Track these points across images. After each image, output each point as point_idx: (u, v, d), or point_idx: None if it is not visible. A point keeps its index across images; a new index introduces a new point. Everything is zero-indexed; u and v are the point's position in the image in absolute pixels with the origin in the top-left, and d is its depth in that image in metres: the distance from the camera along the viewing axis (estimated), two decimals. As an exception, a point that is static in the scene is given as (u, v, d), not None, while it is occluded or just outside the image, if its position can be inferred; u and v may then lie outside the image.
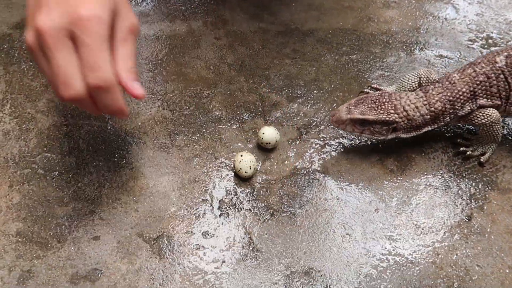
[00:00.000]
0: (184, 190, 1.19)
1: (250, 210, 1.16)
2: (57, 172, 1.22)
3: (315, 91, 1.41)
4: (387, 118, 1.17)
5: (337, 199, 1.18)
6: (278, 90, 1.42)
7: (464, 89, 1.18)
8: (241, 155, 1.20)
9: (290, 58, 1.51)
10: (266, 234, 1.12)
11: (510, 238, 1.11)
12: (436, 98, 1.18)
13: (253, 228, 1.13)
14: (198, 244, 1.10)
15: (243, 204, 1.17)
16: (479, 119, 1.19)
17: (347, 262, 1.07)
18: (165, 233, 1.11)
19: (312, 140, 1.29)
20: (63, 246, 1.09)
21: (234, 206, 1.16)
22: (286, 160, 1.25)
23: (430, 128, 1.21)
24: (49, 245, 1.09)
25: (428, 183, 1.21)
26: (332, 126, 1.28)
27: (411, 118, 1.18)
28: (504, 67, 1.17)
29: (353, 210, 1.16)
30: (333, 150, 1.28)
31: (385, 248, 1.09)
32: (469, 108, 1.19)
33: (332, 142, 1.29)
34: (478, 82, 1.18)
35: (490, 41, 1.57)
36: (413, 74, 1.30)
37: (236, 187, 1.20)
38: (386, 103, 1.18)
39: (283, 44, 1.56)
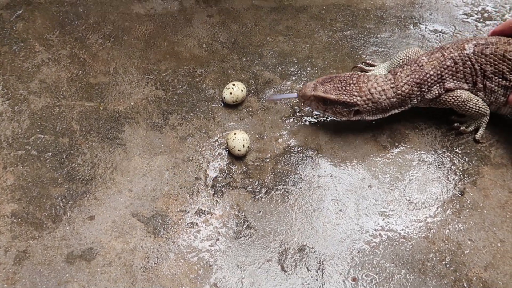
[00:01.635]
0: (178, 169, 1.19)
1: (244, 188, 1.16)
2: (50, 153, 1.22)
3: (308, 68, 1.40)
4: (348, 100, 1.18)
5: (331, 176, 1.18)
6: (271, 67, 1.41)
7: (431, 72, 1.18)
8: (234, 133, 1.20)
9: (284, 35, 1.50)
10: (260, 212, 1.12)
11: (502, 212, 1.11)
12: (404, 81, 1.18)
13: (247, 206, 1.13)
14: (192, 222, 1.10)
15: (236, 182, 1.17)
16: (450, 101, 1.20)
17: (340, 238, 1.08)
18: (159, 212, 1.12)
19: (305, 118, 1.29)
20: (58, 226, 1.10)
21: (228, 185, 1.17)
22: (279, 138, 1.25)
23: (397, 111, 1.22)
24: (44, 226, 1.10)
25: (421, 159, 1.21)
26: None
27: (376, 101, 1.18)
28: (472, 54, 1.17)
29: (346, 186, 1.16)
30: (326, 128, 1.27)
31: (378, 224, 1.10)
32: (436, 91, 1.20)
33: (326, 120, 1.29)
34: (445, 66, 1.18)
35: (485, 14, 1.56)
36: (403, 53, 1.29)
37: (230, 166, 1.20)
38: (352, 85, 1.18)
39: (276, 21, 1.55)
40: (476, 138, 1.23)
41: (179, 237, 1.08)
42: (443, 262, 1.04)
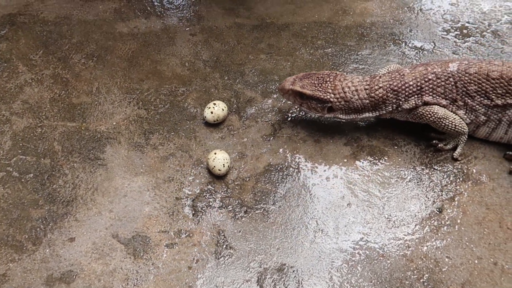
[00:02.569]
0: (159, 189, 1.20)
1: (224, 207, 1.17)
2: (32, 175, 1.22)
3: (289, 86, 1.42)
4: (322, 96, 1.22)
5: (310, 194, 1.19)
6: (253, 86, 1.42)
7: (411, 82, 1.21)
8: (215, 153, 1.21)
9: (265, 53, 1.52)
10: (239, 231, 1.13)
11: (480, 229, 1.12)
12: (380, 85, 1.21)
13: (227, 225, 1.14)
14: (172, 243, 1.11)
15: (217, 202, 1.18)
16: (426, 116, 1.22)
17: (319, 257, 1.08)
18: (139, 233, 1.12)
19: (286, 136, 1.30)
20: (38, 249, 1.10)
21: (208, 204, 1.17)
22: (260, 156, 1.26)
23: (371, 115, 1.25)
24: (24, 248, 1.10)
25: (400, 176, 1.22)
26: (297, 106, 1.33)
27: (348, 100, 1.22)
28: (456, 72, 1.20)
29: (326, 205, 1.17)
30: (306, 146, 1.29)
31: (357, 242, 1.11)
32: (413, 102, 1.22)
33: (307, 138, 1.30)
34: (426, 79, 1.21)
35: (464, 31, 1.58)
36: (385, 69, 1.32)
37: (211, 185, 1.21)
38: (328, 82, 1.23)
39: (258, 39, 1.56)
40: (454, 156, 1.24)
41: (159, 258, 1.09)
42: (421, 280, 1.05)
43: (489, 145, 1.27)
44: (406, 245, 1.10)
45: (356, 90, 1.22)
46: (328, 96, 1.22)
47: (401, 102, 1.22)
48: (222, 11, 1.66)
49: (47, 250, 1.10)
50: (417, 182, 1.21)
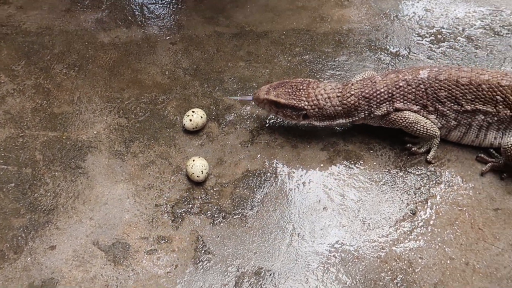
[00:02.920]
0: (139, 196, 1.22)
1: (203, 213, 1.19)
2: (13, 184, 1.24)
3: (267, 93, 1.44)
4: (296, 104, 1.25)
5: (287, 199, 1.22)
6: (232, 93, 1.45)
7: (382, 90, 1.24)
8: (193, 160, 1.23)
9: (244, 60, 1.55)
10: (218, 236, 1.15)
11: (452, 230, 1.15)
12: (352, 93, 1.25)
13: (205, 231, 1.16)
14: (152, 249, 1.13)
15: (196, 208, 1.20)
16: (398, 121, 1.25)
17: (295, 261, 1.11)
18: (119, 240, 1.14)
19: (264, 142, 1.33)
20: (19, 257, 1.12)
21: (187, 211, 1.19)
22: (238, 162, 1.29)
23: (344, 121, 1.28)
24: (5, 257, 1.11)
25: (375, 180, 1.25)
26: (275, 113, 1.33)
27: (322, 107, 1.25)
28: (426, 79, 1.23)
29: (302, 209, 1.20)
30: (284, 151, 1.31)
31: (333, 245, 1.13)
32: (385, 109, 1.25)
33: (284, 144, 1.33)
34: (397, 86, 1.24)
35: (439, 36, 1.62)
36: (360, 76, 1.35)
37: (190, 192, 1.23)
38: (302, 90, 1.26)
39: (237, 46, 1.59)
40: (428, 159, 1.28)
41: (138, 264, 1.11)
42: (395, 281, 1.08)
43: (462, 148, 1.30)
44: (381, 247, 1.13)
45: (329, 98, 1.25)
46: (303, 104, 1.25)
47: (373, 109, 1.26)
48: (202, 20, 1.69)
49: (28, 259, 1.11)
50: (392, 185, 1.24)
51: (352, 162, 1.28)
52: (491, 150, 1.28)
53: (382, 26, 1.65)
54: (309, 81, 1.28)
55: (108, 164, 1.28)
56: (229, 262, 1.11)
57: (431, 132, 1.24)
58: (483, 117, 1.23)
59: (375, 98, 1.24)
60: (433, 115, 1.26)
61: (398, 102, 1.25)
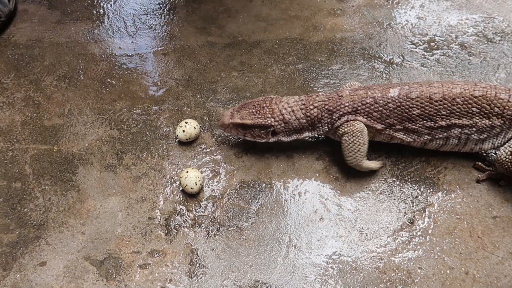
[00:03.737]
0: (131, 209, 1.20)
1: (197, 226, 1.17)
2: (2, 199, 1.21)
3: (261, 103, 1.43)
4: (264, 122, 1.22)
5: (283, 209, 1.19)
6: (225, 103, 1.43)
7: (347, 104, 1.21)
8: (187, 172, 1.21)
9: (237, 70, 1.53)
10: (212, 249, 1.13)
11: (451, 239, 1.14)
12: (315, 105, 1.22)
13: (199, 244, 1.13)
14: (145, 264, 1.10)
15: (189, 221, 1.17)
16: (344, 128, 1.21)
17: (292, 273, 1.09)
18: (112, 255, 1.12)
19: (258, 153, 1.31)
20: (8, 274, 1.08)
21: (181, 223, 1.17)
22: (232, 174, 1.27)
23: (311, 134, 1.26)
24: (-6, 274, 1.08)
25: (372, 189, 1.23)
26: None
27: (287, 121, 1.23)
28: (396, 97, 1.19)
29: (298, 220, 1.18)
30: (279, 161, 1.29)
31: (330, 256, 1.11)
32: (345, 120, 1.21)
33: (279, 154, 1.31)
34: (364, 103, 1.20)
35: (432, 43, 1.61)
36: (347, 86, 1.35)
37: (184, 204, 1.21)
38: (265, 108, 1.23)
39: (230, 56, 1.58)
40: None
41: (131, 279, 1.08)
42: (394, 292, 1.06)
43: (458, 156, 1.29)
44: (379, 257, 1.11)
45: (293, 111, 1.22)
46: (269, 121, 1.22)
47: (335, 122, 1.22)
48: (194, 30, 1.67)
49: (18, 276, 1.08)
50: (389, 194, 1.22)
51: (348, 171, 1.27)
52: (488, 158, 1.27)
53: (375, 35, 1.64)
54: (271, 97, 1.26)
55: (100, 177, 1.26)
56: (225, 276, 1.08)
57: (359, 159, 1.22)
58: (460, 130, 1.20)
59: (337, 112, 1.21)
60: (400, 133, 1.22)
61: (361, 116, 1.21)
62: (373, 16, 1.71)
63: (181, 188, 1.23)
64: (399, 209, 1.19)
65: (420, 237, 1.14)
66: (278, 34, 1.65)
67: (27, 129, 1.37)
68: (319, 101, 1.22)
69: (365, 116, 1.21)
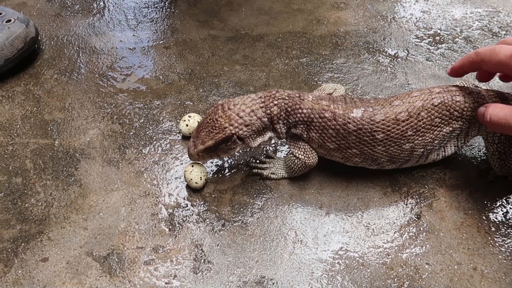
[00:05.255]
0: (135, 204, 1.18)
1: (202, 221, 1.15)
2: (3, 194, 1.19)
3: (265, 97, 1.41)
4: (223, 135, 1.12)
5: (288, 204, 1.18)
6: (228, 97, 1.41)
7: (305, 111, 1.13)
8: (192, 166, 1.19)
9: (240, 64, 1.51)
10: (217, 245, 1.11)
11: (458, 234, 1.12)
12: (275, 102, 1.14)
13: (204, 239, 1.12)
14: (149, 260, 1.08)
15: (194, 216, 1.16)
16: (293, 148, 1.17)
17: (298, 268, 1.07)
18: (115, 250, 1.10)
19: (263, 147, 1.29)
20: (10, 270, 1.07)
21: (185, 218, 1.15)
22: (237, 168, 1.25)
23: (273, 135, 1.17)
24: (-5, 270, 1.07)
25: (378, 184, 1.22)
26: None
27: (249, 123, 1.13)
28: (359, 119, 1.10)
29: (304, 215, 1.16)
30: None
31: (336, 252, 1.10)
32: (300, 131, 1.15)
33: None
34: (321, 116, 1.12)
35: (437, 37, 1.60)
36: (327, 86, 1.30)
37: (188, 199, 1.19)
38: (220, 118, 1.12)
39: (233, 50, 1.56)
40: (264, 175, 1.24)
41: (135, 275, 1.06)
42: (402, 288, 1.04)
43: (466, 150, 1.27)
44: (386, 253, 1.10)
45: (252, 111, 1.13)
46: (228, 130, 1.12)
47: (290, 125, 1.15)
48: (196, 24, 1.65)
49: (19, 271, 1.06)
50: (395, 190, 1.21)
51: (353, 166, 1.25)
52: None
53: (379, 28, 1.63)
54: (220, 104, 1.15)
55: (102, 171, 1.24)
56: (230, 271, 1.07)
57: (293, 173, 1.20)
58: (422, 150, 1.15)
59: (294, 115, 1.13)
60: (357, 158, 1.17)
61: (314, 131, 1.14)
62: (377, 10, 1.70)
63: (185, 183, 1.21)
64: (406, 204, 1.18)
65: (427, 233, 1.13)
66: (281, 28, 1.63)
67: (28, 123, 1.35)
68: (279, 98, 1.14)
69: (319, 133, 1.13)
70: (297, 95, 1.15)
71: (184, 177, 1.20)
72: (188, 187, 1.20)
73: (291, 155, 1.18)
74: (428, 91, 1.13)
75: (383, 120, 1.10)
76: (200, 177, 1.18)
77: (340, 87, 1.30)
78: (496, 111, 1.02)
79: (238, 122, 1.11)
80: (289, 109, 1.13)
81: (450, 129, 1.14)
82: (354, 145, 1.13)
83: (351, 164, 1.19)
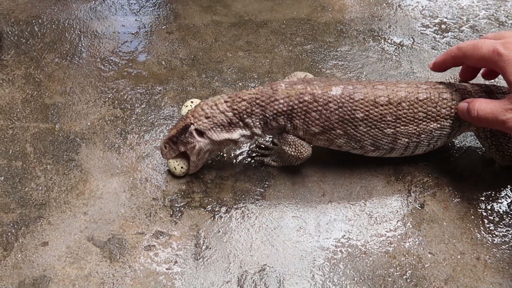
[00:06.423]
0: (135, 190, 1.17)
1: (203, 207, 1.14)
2: (3, 178, 1.18)
3: (268, 84, 1.39)
4: (183, 124, 1.12)
5: (291, 192, 1.17)
6: (231, 83, 1.40)
7: (281, 101, 1.10)
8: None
9: (244, 50, 1.49)
10: (219, 231, 1.10)
11: (462, 224, 1.11)
12: (244, 98, 1.11)
13: (206, 226, 1.11)
14: (149, 245, 1.08)
15: (195, 202, 1.15)
16: (284, 146, 1.15)
17: (300, 256, 1.06)
18: (115, 236, 1.09)
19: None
20: (9, 254, 1.06)
21: (186, 204, 1.14)
22: (239, 155, 1.24)
23: (245, 132, 1.14)
24: (-5, 254, 1.06)
25: (381, 173, 1.21)
26: None
27: (210, 116, 1.11)
28: (338, 96, 1.09)
29: (306, 202, 1.15)
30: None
31: (339, 240, 1.09)
32: (283, 122, 1.12)
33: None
34: (301, 101, 1.09)
35: (443, 26, 1.58)
36: (293, 76, 1.26)
37: (189, 185, 1.18)
38: (188, 113, 1.14)
39: (236, 36, 1.54)
40: (265, 162, 1.23)
41: (136, 260, 1.05)
42: (404, 277, 1.03)
43: (469, 140, 1.26)
44: (388, 241, 1.09)
45: (216, 104, 1.11)
46: (188, 120, 1.12)
47: (268, 120, 1.12)
48: (199, 9, 1.63)
49: (19, 256, 1.06)
50: (399, 178, 1.20)
51: (357, 155, 1.23)
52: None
53: (384, 16, 1.61)
54: (199, 103, 1.16)
55: (103, 156, 1.23)
56: (231, 258, 1.06)
57: (300, 157, 1.15)
58: (407, 140, 1.13)
59: (271, 108, 1.10)
60: (341, 139, 1.14)
61: (297, 119, 1.11)
62: (382, -3, 1.68)
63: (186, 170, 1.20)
64: (410, 193, 1.17)
65: (431, 222, 1.12)
66: (285, 14, 1.61)
67: (28, 107, 1.33)
68: (249, 94, 1.11)
69: (301, 117, 1.10)
70: (268, 87, 1.12)
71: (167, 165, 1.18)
72: (187, 174, 1.19)
73: (283, 151, 1.17)
74: (415, 85, 1.11)
75: (362, 99, 1.09)
76: (181, 166, 1.16)
77: (310, 76, 1.25)
78: (482, 106, 1.01)
79: (198, 113, 1.11)
80: (263, 103, 1.10)
81: (438, 125, 1.11)
82: (337, 125, 1.11)
83: (335, 147, 1.17)
